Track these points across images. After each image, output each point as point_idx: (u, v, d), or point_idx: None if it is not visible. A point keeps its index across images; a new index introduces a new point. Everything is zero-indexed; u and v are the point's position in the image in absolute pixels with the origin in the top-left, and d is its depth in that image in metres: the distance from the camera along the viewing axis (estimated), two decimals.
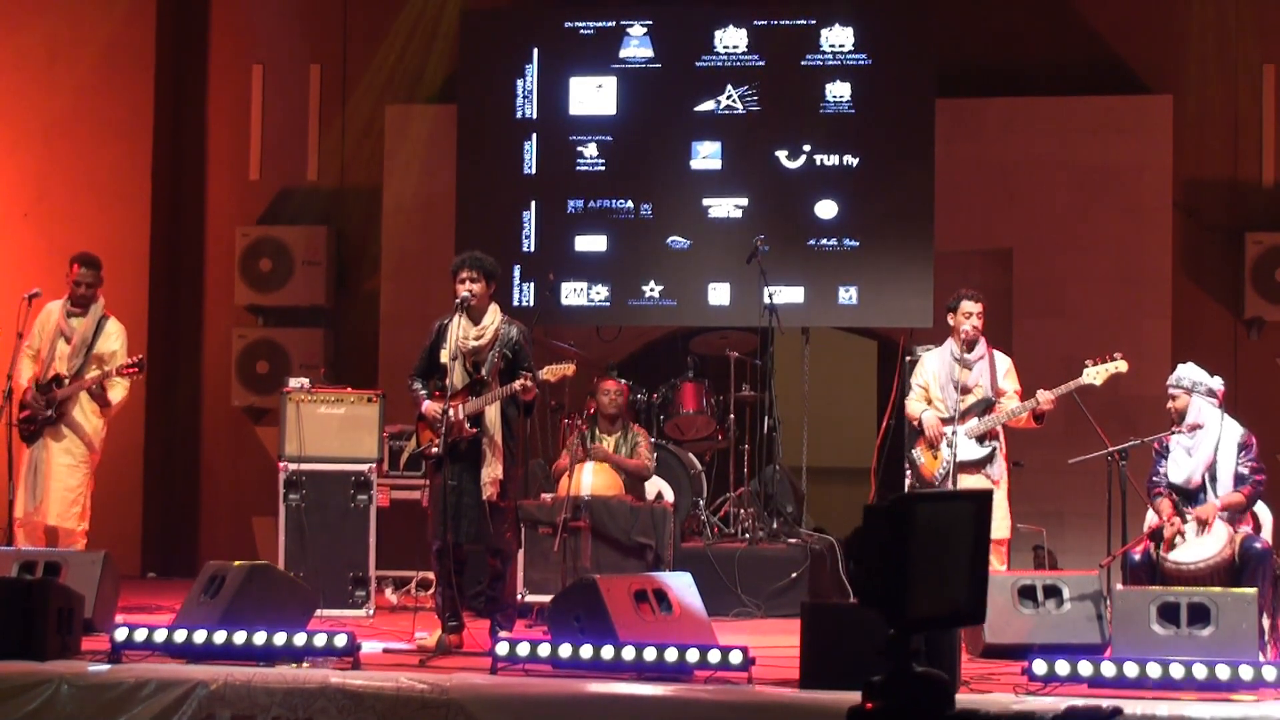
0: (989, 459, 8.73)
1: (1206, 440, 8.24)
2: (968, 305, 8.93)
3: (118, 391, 9.62)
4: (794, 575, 9.95)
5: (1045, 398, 8.60)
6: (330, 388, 10.18)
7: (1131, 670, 6.79)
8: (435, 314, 8.44)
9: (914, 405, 9.07)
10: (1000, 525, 8.63)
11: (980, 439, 8.74)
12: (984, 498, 4.38)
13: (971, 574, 4.33)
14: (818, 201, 11.31)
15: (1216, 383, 8.38)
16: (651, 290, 11.46)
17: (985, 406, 8.77)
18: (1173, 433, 8.31)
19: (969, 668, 7.37)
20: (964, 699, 6.43)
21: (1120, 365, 8.58)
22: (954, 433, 8.73)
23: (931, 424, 8.75)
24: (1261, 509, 8.34)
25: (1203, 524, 8.04)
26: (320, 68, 12.82)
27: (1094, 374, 8.59)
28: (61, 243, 12.02)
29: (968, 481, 8.69)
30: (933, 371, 8.99)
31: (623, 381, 10.21)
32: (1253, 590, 7.51)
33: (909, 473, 9.79)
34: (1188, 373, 8.39)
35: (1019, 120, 12.06)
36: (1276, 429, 10.45)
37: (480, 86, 11.74)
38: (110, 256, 12.24)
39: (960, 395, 8.78)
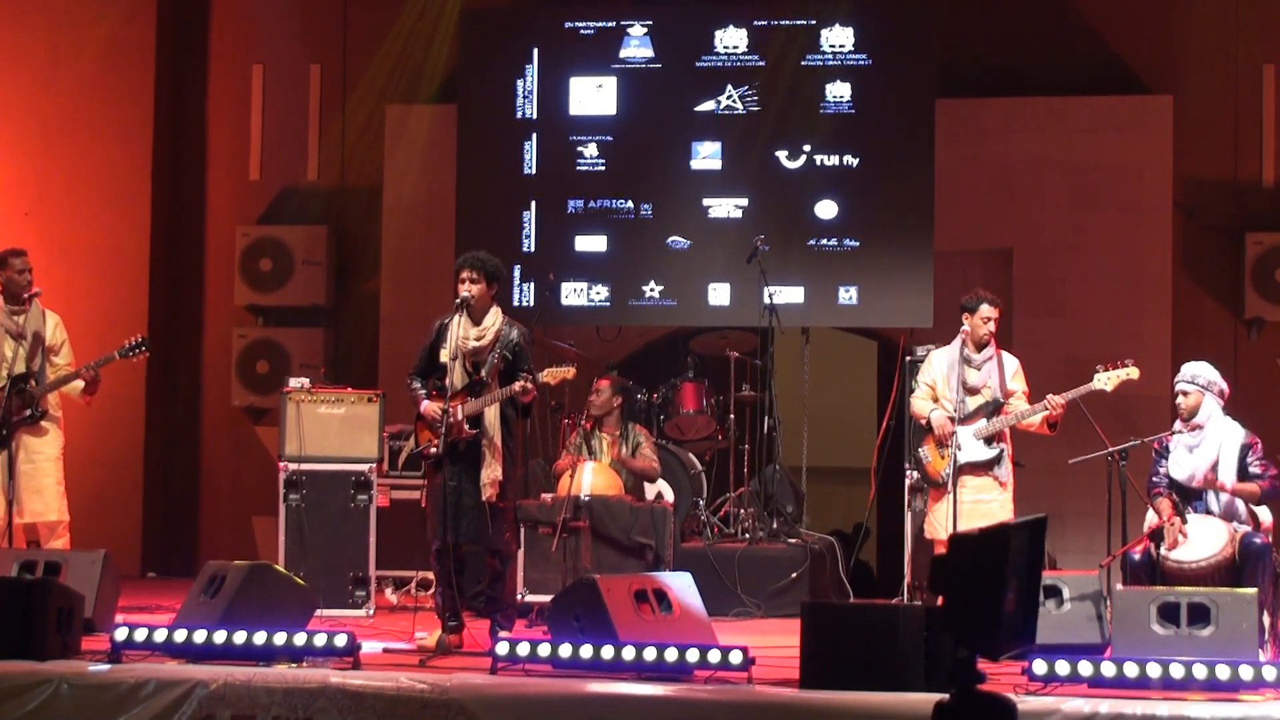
0: (997, 460, 8.69)
1: (1210, 438, 8.24)
2: (987, 310, 8.77)
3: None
4: (794, 575, 9.96)
5: (1056, 402, 8.52)
6: (330, 387, 10.17)
7: (1131, 670, 6.78)
8: (435, 314, 8.42)
9: (920, 404, 8.97)
10: None
11: (988, 440, 8.68)
12: (1038, 525, 4.41)
13: (1027, 596, 4.45)
14: (818, 201, 11.31)
15: (1224, 384, 8.38)
16: (651, 290, 11.46)
17: (994, 408, 8.70)
18: (1174, 432, 8.31)
19: None
20: None
21: (1132, 372, 8.53)
22: (957, 433, 8.70)
23: (941, 422, 8.70)
24: (1261, 509, 8.33)
25: (1210, 489, 8.07)
26: (320, 68, 12.82)
27: (1105, 380, 8.54)
28: (62, 242, 12.05)
29: (975, 483, 8.65)
30: (940, 370, 8.91)
31: (610, 376, 10.19)
32: (1253, 590, 7.51)
33: (910, 472, 9.78)
34: (1203, 370, 8.36)
35: (1019, 120, 12.06)
36: (1277, 429, 10.44)
37: (480, 86, 11.74)
38: (110, 256, 12.36)
39: (967, 395, 8.75)
